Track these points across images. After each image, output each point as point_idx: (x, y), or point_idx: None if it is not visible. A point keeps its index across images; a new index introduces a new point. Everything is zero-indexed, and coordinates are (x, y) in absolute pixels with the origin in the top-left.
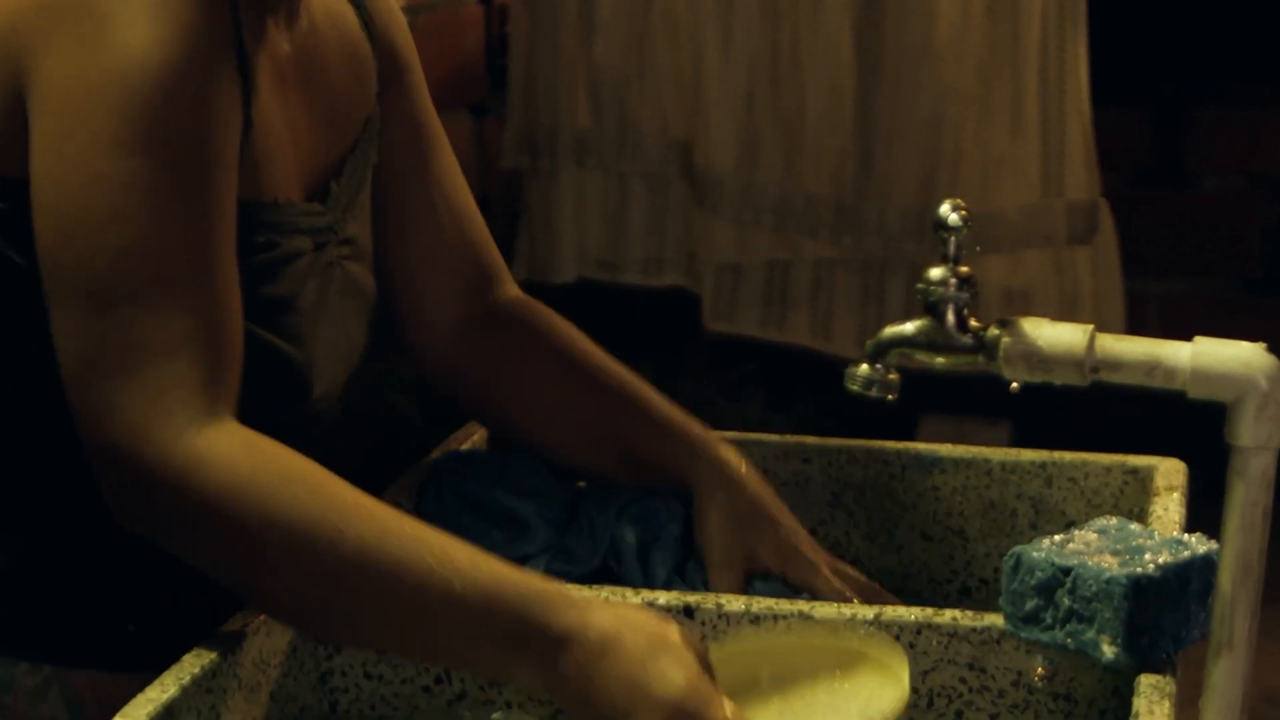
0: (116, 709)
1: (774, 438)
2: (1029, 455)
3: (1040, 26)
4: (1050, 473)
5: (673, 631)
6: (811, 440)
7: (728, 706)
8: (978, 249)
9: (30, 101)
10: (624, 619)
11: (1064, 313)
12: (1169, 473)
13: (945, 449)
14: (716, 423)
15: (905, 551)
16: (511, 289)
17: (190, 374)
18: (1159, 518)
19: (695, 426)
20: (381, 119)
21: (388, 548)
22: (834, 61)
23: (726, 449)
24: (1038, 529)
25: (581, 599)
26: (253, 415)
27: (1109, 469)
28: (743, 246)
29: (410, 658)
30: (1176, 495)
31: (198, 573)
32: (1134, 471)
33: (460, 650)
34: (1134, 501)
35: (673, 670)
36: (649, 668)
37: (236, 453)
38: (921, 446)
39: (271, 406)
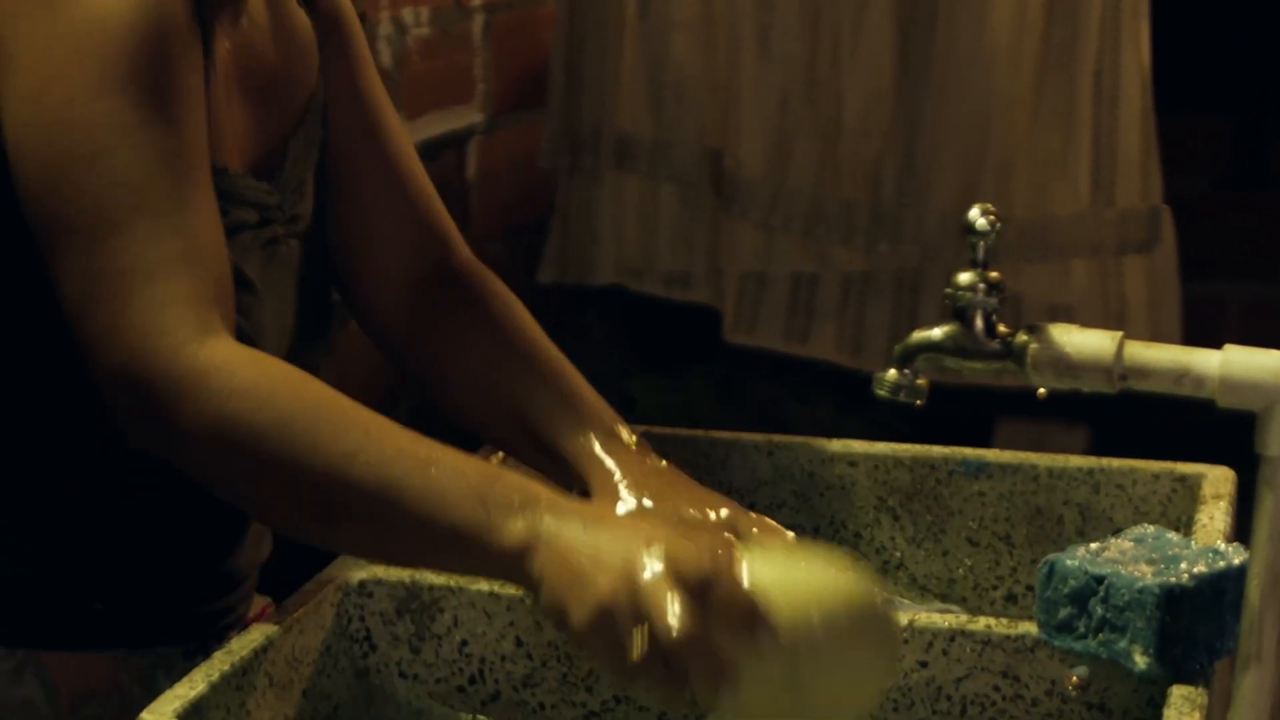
0: (90, 689)
1: (820, 441)
2: (1076, 461)
3: (1099, 30)
4: (1098, 479)
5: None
6: (858, 444)
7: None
8: (1022, 259)
9: (5, 65)
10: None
11: (1112, 326)
12: (1217, 481)
13: (992, 454)
14: (787, 425)
15: (951, 557)
16: (462, 254)
17: (184, 292)
18: (1204, 526)
19: (605, 416)
20: (325, 94)
21: (388, 437)
22: (875, 63)
23: (628, 447)
24: (1085, 536)
25: (560, 503)
26: None
27: (1157, 476)
28: (769, 254)
29: (394, 553)
30: (1223, 504)
31: (161, 549)
32: (1182, 479)
33: (443, 549)
34: (1182, 509)
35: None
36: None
37: (237, 361)
38: (968, 451)
39: None
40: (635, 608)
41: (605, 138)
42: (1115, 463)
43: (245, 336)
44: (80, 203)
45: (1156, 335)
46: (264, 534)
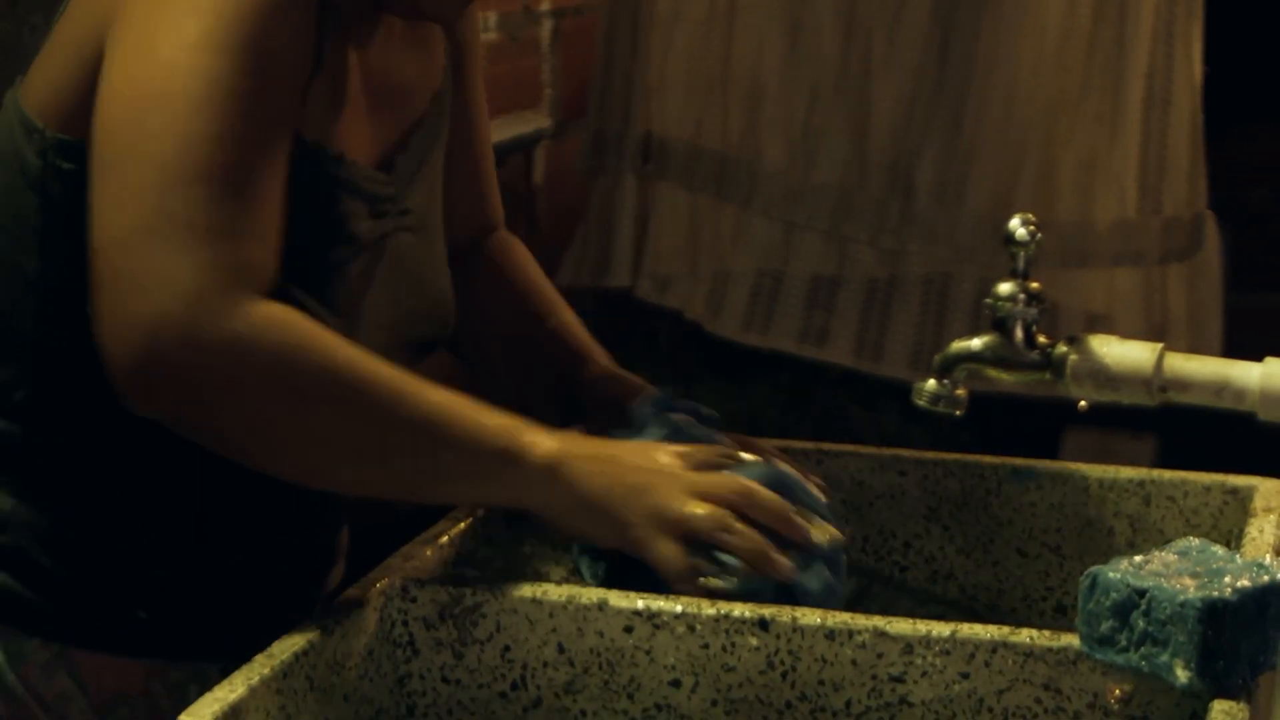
0: (121, 692)
1: (870, 450)
2: (1127, 473)
3: (1151, 33)
4: (1149, 491)
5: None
6: (908, 453)
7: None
8: (1061, 265)
9: (113, 31)
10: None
11: (1153, 334)
12: (1269, 494)
13: (1042, 464)
14: (850, 434)
15: (1000, 567)
16: (499, 223)
17: (248, 258)
18: (1253, 540)
19: (601, 359)
20: (453, 91)
21: (423, 384)
22: (913, 59)
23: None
24: (1135, 548)
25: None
26: None
27: (1208, 488)
28: (788, 252)
29: (424, 489)
30: (1273, 517)
31: (210, 564)
32: (1234, 491)
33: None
34: (1233, 522)
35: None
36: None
37: (290, 316)
38: (1018, 461)
39: None
40: (684, 504)
41: (629, 139)
42: (1166, 474)
43: (337, 325)
44: (168, 141)
45: (1197, 345)
46: (329, 567)
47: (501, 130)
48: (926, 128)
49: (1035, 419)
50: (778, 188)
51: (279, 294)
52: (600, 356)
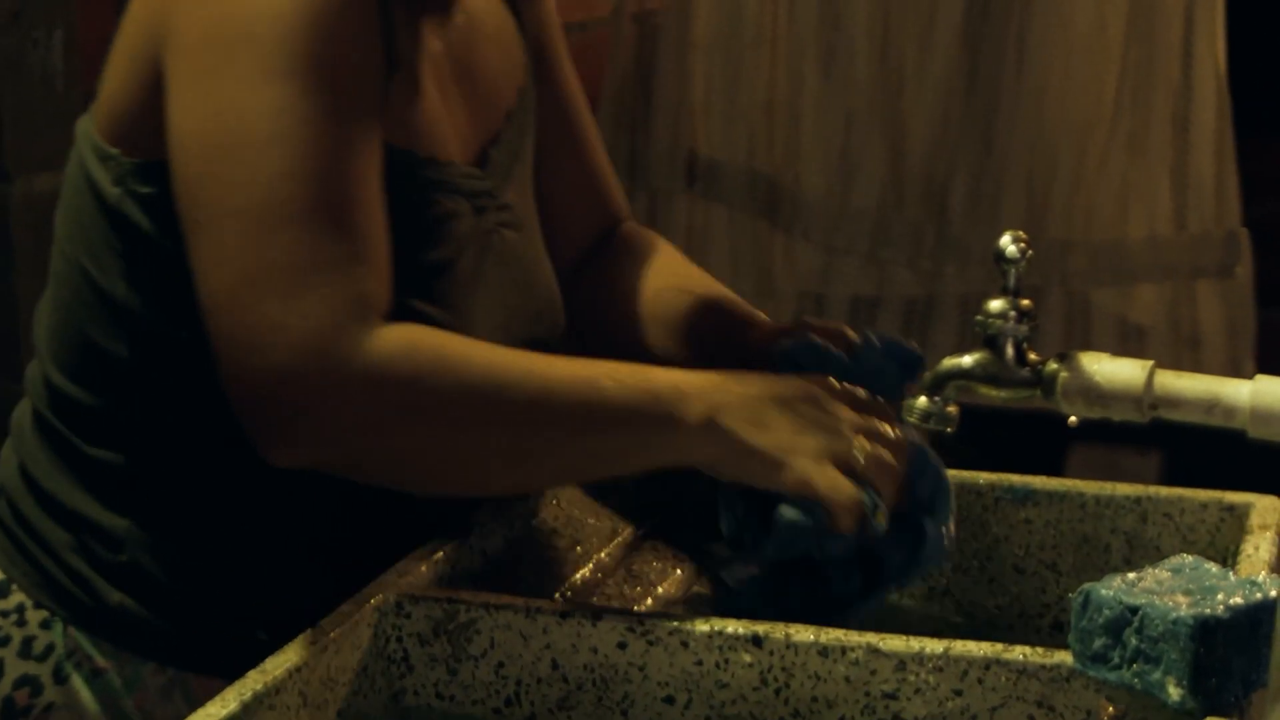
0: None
1: None
2: (1124, 489)
3: (1180, 52)
4: (1145, 508)
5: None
6: None
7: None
8: (1093, 282)
9: (167, 60)
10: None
11: (1184, 349)
12: (1265, 511)
13: (1039, 481)
14: None
15: (997, 584)
16: (625, 216)
17: (356, 291)
18: (1249, 557)
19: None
20: (534, 90)
21: (566, 381)
22: (944, 83)
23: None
24: (1132, 564)
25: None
26: None
27: (1205, 505)
28: (829, 275)
29: (585, 471)
30: (1270, 534)
31: (332, 582)
32: (1230, 508)
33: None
34: (1230, 539)
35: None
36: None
37: (413, 337)
38: (1014, 478)
39: None
40: (849, 438)
41: (674, 159)
42: (1163, 491)
43: (454, 327)
44: (251, 190)
45: (1232, 360)
46: None
47: None
48: (959, 150)
49: (1040, 434)
50: (817, 213)
51: (399, 313)
52: (764, 319)
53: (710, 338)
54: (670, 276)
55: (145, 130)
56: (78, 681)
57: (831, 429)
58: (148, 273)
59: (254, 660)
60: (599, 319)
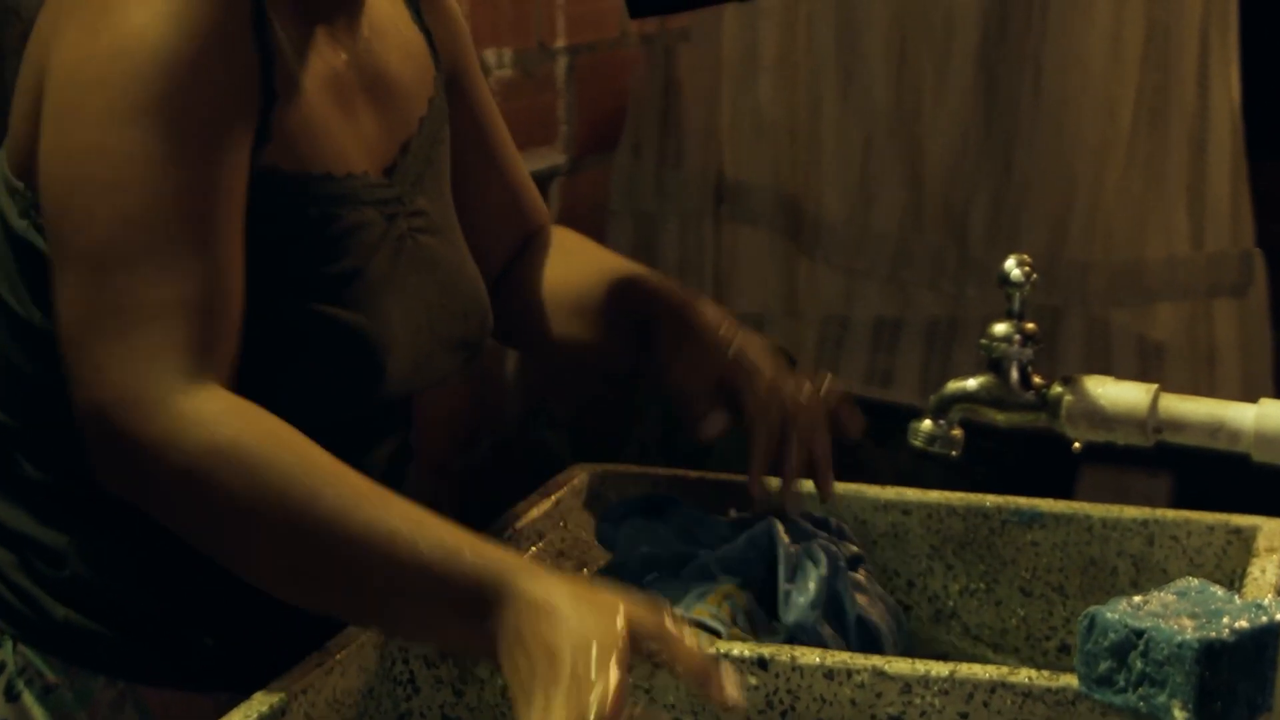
0: None
1: (874, 489)
2: (1130, 512)
3: (1196, 76)
4: (1152, 531)
5: (613, 600)
6: (911, 492)
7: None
8: (1112, 303)
9: (44, 90)
10: (570, 589)
11: (1201, 368)
12: (1272, 533)
13: (1045, 504)
14: (865, 469)
15: (1004, 607)
16: (544, 219)
17: (181, 338)
18: (1255, 580)
19: (659, 280)
20: (447, 102)
21: (360, 512)
22: (961, 106)
23: (688, 297)
24: (1138, 587)
25: (535, 569)
26: (327, 395)
27: (1211, 528)
28: (851, 298)
29: (365, 622)
30: (1276, 557)
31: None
32: (1237, 531)
33: (414, 613)
34: (1236, 562)
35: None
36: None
37: (220, 415)
38: (1022, 501)
39: (346, 384)
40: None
41: (704, 181)
42: (1169, 514)
43: (368, 333)
44: (90, 232)
45: (1248, 380)
46: None
47: None
48: (978, 173)
49: (1050, 456)
50: (839, 237)
51: (308, 321)
52: (675, 297)
53: (624, 319)
54: (578, 267)
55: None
56: (29, 698)
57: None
58: (49, 293)
59: (204, 667)
60: (519, 321)
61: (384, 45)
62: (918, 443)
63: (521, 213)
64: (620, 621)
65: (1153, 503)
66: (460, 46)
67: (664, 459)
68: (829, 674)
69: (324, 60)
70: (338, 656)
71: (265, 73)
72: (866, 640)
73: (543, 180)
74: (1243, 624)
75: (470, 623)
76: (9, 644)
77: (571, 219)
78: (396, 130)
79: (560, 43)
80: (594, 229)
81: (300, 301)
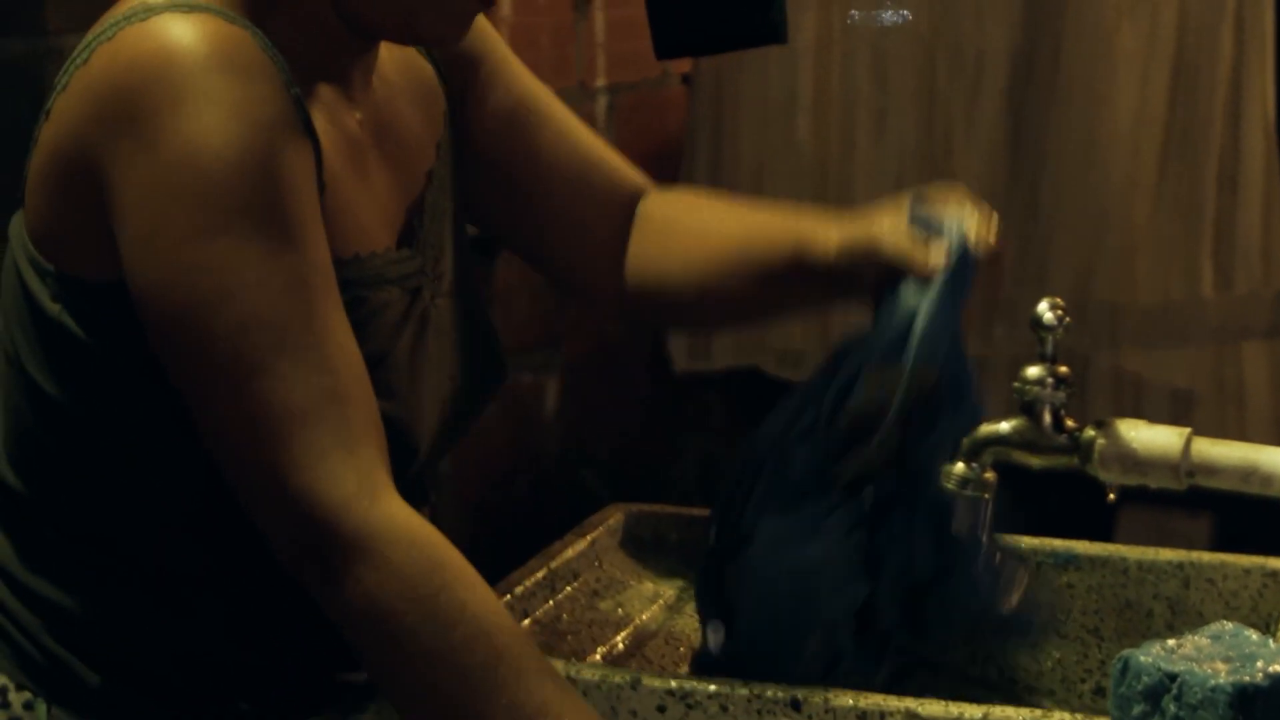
0: None
1: None
2: (1166, 555)
3: (1223, 116)
4: (1188, 573)
5: None
6: None
7: None
8: (1142, 344)
9: (112, 212)
10: None
11: (1231, 411)
12: None
13: (1081, 546)
14: None
15: (1039, 649)
16: (641, 186)
17: (341, 435)
18: None
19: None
20: (453, 139)
21: (534, 676)
22: (989, 146)
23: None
24: (1174, 630)
25: None
26: None
27: (1248, 571)
28: None
29: None
30: None
31: (317, 654)
32: (1273, 574)
33: None
34: (1273, 604)
35: None
36: None
37: (400, 534)
38: (1057, 543)
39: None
40: None
41: None
42: (1205, 556)
43: (400, 421)
44: (215, 348)
45: (1278, 421)
46: None
47: None
48: (1006, 213)
49: (1090, 497)
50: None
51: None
52: (819, 233)
53: (767, 270)
54: (710, 224)
55: (85, 249)
56: None
57: None
58: (83, 374)
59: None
60: (656, 293)
61: (391, 91)
62: (950, 485)
63: (611, 181)
64: None
65: (1193, 543)
66: (484, 48)
67: (702, 499)
68: (862, 715)
69: (340, 128)
70: (368, 703)
71: (317, 159)
72: None
73: None
74: (1276, 668)
75: None
76: (42, 707)
77: None
78: (411, 186)
79: (601, 82)
80: None
81: None
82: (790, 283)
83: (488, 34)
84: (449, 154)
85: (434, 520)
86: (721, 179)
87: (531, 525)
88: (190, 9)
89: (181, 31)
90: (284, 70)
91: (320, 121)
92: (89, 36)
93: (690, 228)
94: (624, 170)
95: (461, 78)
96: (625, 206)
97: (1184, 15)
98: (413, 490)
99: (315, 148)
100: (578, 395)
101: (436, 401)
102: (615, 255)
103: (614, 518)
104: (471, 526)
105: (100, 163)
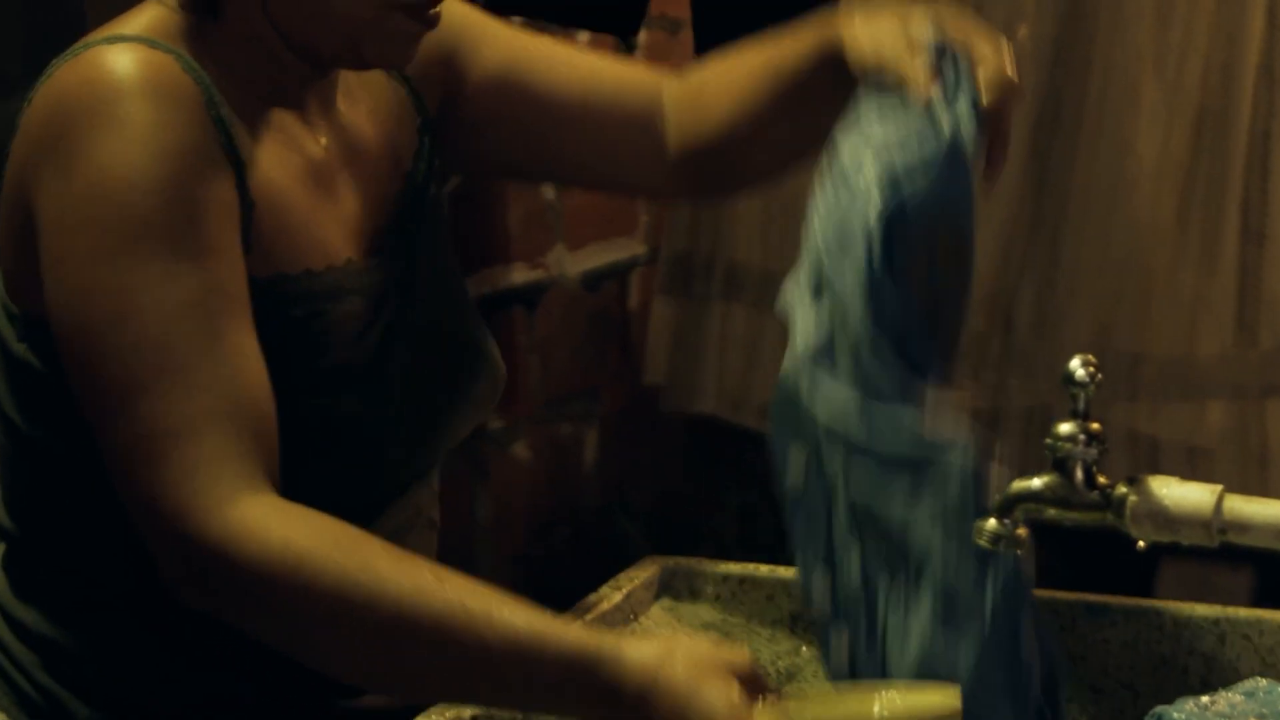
0: None
1: None
2: (1202, 610)
3: (1244, 162)
4: (1224, 629)
5: (717, 656)
6: None
7: None
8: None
9: (38, 242)
10: (666, 654)
11: (1253, 470)
12: None
13: (1116, 600)
14: None
15: (1074, 704)
16: (664, 80)
17: (217, 449)
18: None
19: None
20: (432, 147)
21: (423, 606)
22: (1008, 193)
23: None
24: (1209, 686)
25: (620, 643)
26: (336, 491)
27: None
28: None
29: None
30: None
31: (310, 684)
32: None
33: (504, 699)
34: None
35: (715, 697)
36: (692, 701)
37: (269, 522)
38: (1092, 597)
39: (352, 475)
40: None
41: (716, 266)
42: (1242, 612)
43: (364, 427)
44: (106, 368)
45: None
46: None
47: (597, 257)
48: (1025, 261)
49: (1130, 551)
50: None
51: (313, 416)
52: (840, 29)
53: (802, 81)
54: (734, 68)
55: (37, 286)
56: None
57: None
58: (51, 411)
59: None
60: (707, 155)
61: (359, 112)
62: (983, 542)
63: (623, 89)
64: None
65: (1234, 597)
66: (453, 43)
67: (741, 551)
68: None
69: (300, 153)
70: None
71: (239, 183)
72: None
73: (623, 270)
74: None
75: (565, 708)
76: None
77: (652, 308)
78: (384, 199)
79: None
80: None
81: (301, 399)
82: (827, 87)
83: (452, 20)
84: (426, 164)
85: (466, 566)
86: (698, 229)
87: (570, 577)
88: (120, 40)
89: (105, 61)
90: (208, 91)
91: (269, 144)
92: (40, 79)
93: (716, 81)
94: (631, 74)
95: (439, 80)
96: (646, 105)
97: (1208, 65)
98: (389, 498)
99: (239, 169)
100: (616, 446)
101: (414, 409)
102: (656, 149)
103: (649, 571)
104: (510, 578)
105: (32, 195)
